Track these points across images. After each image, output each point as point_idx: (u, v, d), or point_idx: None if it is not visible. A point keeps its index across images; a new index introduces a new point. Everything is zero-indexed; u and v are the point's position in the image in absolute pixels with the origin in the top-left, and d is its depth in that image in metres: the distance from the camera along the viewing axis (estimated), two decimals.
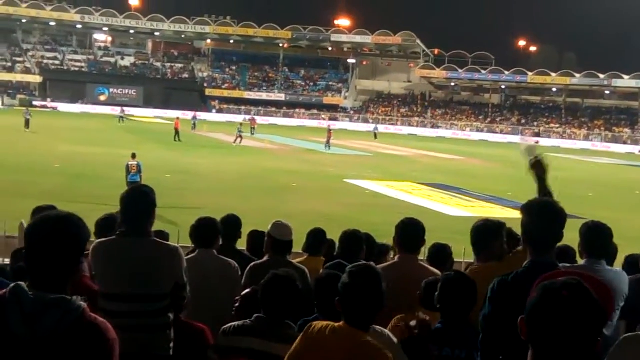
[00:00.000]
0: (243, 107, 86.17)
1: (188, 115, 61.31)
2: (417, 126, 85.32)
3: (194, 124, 55.78)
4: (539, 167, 4.19)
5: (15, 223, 9.21)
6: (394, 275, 4.14)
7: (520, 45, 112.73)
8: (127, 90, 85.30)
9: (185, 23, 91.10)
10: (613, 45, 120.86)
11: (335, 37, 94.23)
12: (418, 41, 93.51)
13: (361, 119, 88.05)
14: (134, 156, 19.01)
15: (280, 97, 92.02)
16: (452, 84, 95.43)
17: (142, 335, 3.72)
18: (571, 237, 3.90)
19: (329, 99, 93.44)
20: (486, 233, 4.27)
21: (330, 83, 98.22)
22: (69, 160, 27.36)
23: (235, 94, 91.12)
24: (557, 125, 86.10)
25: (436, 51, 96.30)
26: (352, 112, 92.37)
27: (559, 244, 3.46)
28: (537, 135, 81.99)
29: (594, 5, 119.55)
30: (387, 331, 3.36)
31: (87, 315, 2.20)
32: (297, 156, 38.63)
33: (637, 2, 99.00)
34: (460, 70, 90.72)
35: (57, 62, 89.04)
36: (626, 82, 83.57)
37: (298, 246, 5.91)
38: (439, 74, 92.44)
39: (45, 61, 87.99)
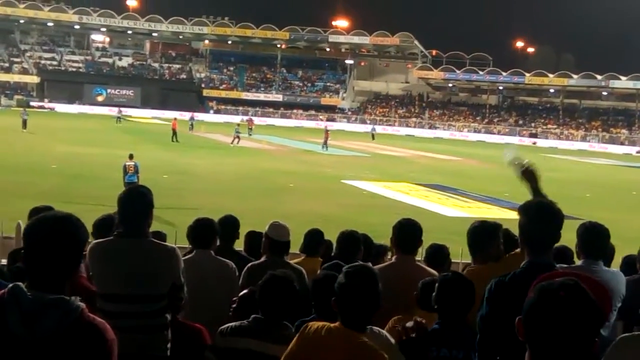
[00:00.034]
0: (241, 108, 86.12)
1: (185, 115, 61.23)
2: (414, 127, 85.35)
3: (192, 125, 55.72)
4: (529, 176, 4.19)
5: (12, 224, 9.20)
6: (391, 276, 4.14)
7: (518, 46, 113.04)
8: (124, 91, 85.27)
9: (183, 24, 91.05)
10: (611, 46, 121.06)
11: (332, 38, 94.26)
12: (416, 42, 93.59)
13: (359, 120, 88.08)
14: (131, 157, 19.01)
15: (278, 97, 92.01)
16: (450, 84, 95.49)
17: (139, 336, 3.71)
18: (568, 237, 3.90)
19: (326, 100, 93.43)
20: (482, 234, 4.28)
21: (328, 84, 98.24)
22: (67, 160, 27.34)
23: (233, 94, 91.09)
24: (555, 126, 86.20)
25: (434, 52, 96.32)
26: (349, 112, 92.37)
27: (556, 245, 3.46)
28: (535, 136, 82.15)
29: (591, 6, 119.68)
30: (384, 332, 3.36)
31: (85, 316, 2.20)
32: (294, 157, 38.63)
33: (635, 3, 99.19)
34: (457, 71, 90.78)
35: (54, 63, 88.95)
36: (624, 83, 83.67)
37: (295, 247, 5.91)
38: (436, 74, 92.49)
39: (42, 62, 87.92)
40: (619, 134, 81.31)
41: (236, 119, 67.56)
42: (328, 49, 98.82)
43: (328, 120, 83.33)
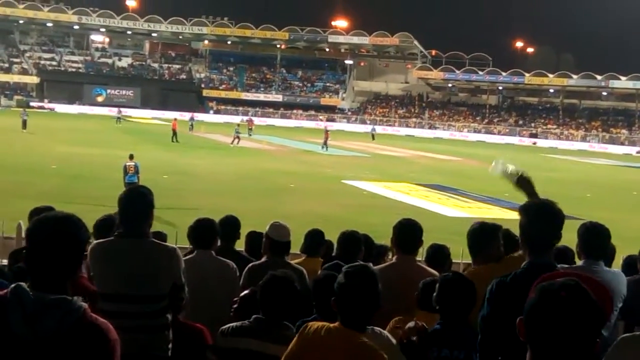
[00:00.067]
0: (240, 108, 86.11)
1: (185, 116, 61.26)
2: (414, 127, 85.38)
3: (192, 125, 55.75)
4: (524, 183, 4.19)
5: (13, 224, 9.21)
6: (391, 276, 4.14)
7: (518, 46, 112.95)
8: (124, 91, 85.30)
9: (183, 24, 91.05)
10: (610, 46, 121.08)
11: (332, 38, 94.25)
12: (415, 42, 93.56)
13: (358, 120, 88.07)
14: (131, 157, 19.00)
15: (278, 98, 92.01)
16: (450, 85, 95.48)
17: (140, 336, 3.71)
18: (569, 238, 3.90)
19: (326, 100, 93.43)
20: (482, 236, 4.27)
21: (328, 84, 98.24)
22: (67, 161, 27.34)
23: (233, 94, 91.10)
24: (555, 127, 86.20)
25: (433, 52, 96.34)
26: (349, 113, 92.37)
27: (557, 245, 3.46)
28: (535, 136, 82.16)
29: (591, 6, 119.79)
30: (385, 332, 3.36)
31: (88, 316, 2.20)
32: (294, 157, 38.64)
33: (635, 3, 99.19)
34: (457, 72, 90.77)
35: (54, 63, 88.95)
36: (623, 83, 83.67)
37: (296, 247, 5.91)
38: (436, 75, 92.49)
39: (42, 62, 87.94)
40: (619, 134, 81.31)
41: (236, 119, 67.56)
42: (327, 49, 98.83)
43: (328, 120, 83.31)
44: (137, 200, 3.95)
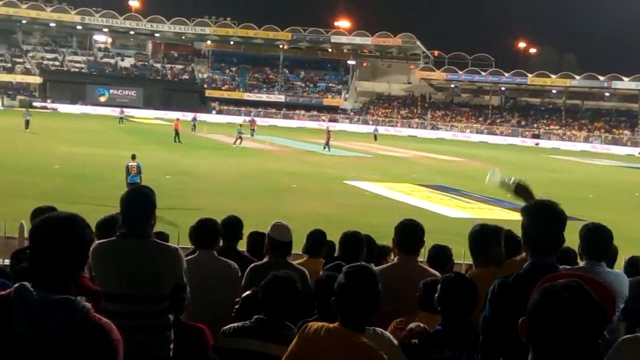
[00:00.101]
0: (243, 109, 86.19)
1: (188, 116, 61.35)
2: (417, 128, 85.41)
3: (194, 125, 55.80)
4: (523, 191, 4.18)
5: (15, 224, 9.21)
6: (393, 277, 4.14)
7: (520, 47, 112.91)
8: (127, 91, 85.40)
9: (185, 24, 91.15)
10: (613, 47, 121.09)
11: (335, 39, 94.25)
12: (418, 43, 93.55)
13: (361, 121, 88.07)
14: (133, 157, 19.00)
15: (280, 98, 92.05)
16: (452, 85, 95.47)
17: (142, 336, 3.71)
18: (571, 239, 3.90)
19: (328, 101, 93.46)
20: (484, 237, 4.27)
21: (330, 84, 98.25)
22: (69, 161, 27.36)
23: (235, 95, 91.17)
24: (557, 127, 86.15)
25: (436, 53, 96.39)
26: (352, 113, 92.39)
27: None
28: (537, 137, 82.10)
29: (593, 6, 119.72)
30: (387, 333, 3.36)
31: (91, 316, 2.21)
32: (297, 157, 38.64)
33: (637, 3, 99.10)
34: (460, 72, 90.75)
35: (57, 63, 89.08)
36: (626, 84, 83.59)
37: (298, 247, 5.91)
38: (438, 75, 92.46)
39: (45, 62, 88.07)
40: (622, 135, 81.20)
41: (238, 119, 67.64)
42: (330, 50, 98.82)
43: (330, 120, 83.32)
44: (139, 201, 3.96)
